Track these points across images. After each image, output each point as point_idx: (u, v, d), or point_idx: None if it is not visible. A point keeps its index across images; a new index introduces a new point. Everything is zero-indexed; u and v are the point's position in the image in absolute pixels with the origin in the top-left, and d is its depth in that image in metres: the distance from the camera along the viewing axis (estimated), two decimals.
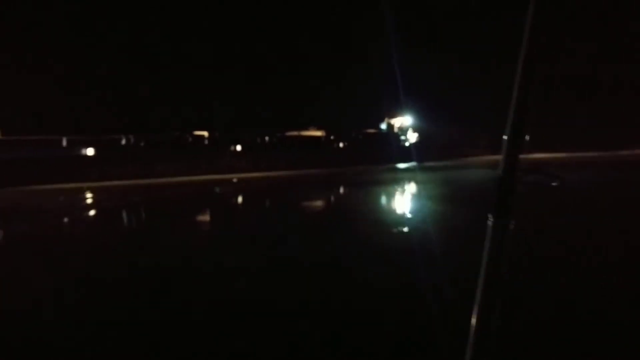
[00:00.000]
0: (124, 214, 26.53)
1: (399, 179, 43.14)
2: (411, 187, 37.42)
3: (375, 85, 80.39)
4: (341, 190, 38.39)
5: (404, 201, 30.69)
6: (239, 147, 55.05)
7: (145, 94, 61.87)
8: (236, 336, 8.33)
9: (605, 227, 17.11)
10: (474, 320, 1.39)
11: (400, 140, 75.43)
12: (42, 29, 62.41)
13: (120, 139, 50.63)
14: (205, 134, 55.80)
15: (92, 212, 29.44)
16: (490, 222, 1.40)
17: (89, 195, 35.38)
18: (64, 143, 46.75)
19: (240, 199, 34.84)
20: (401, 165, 57.33)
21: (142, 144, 51.37)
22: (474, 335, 1.38)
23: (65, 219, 25.45)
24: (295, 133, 67.43)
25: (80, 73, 60.03)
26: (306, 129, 69.86)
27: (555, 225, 17.14)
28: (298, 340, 8.16)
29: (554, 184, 1.51)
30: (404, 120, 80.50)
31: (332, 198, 33.98)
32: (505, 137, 1.44)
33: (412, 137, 78.49)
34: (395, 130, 79.35)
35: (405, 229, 18.54)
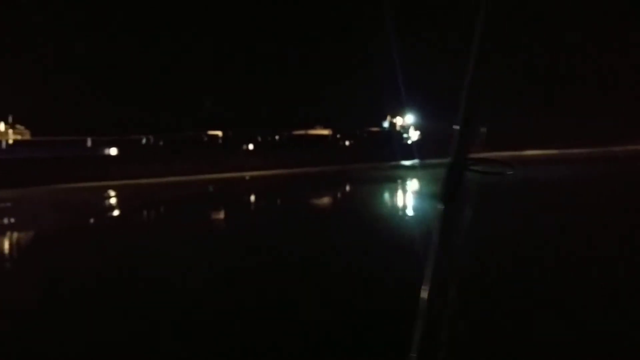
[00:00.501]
0: (154, 213, 28.60)
1: (405, 176, 45.81)
2: (416, 184, 40.15)
3: (377, 85, 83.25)
4: (355, 187, 40.72)
5: (410, 198, 33.51)
6: (251, 146, 58.00)
7: (162, 95, 65.21)
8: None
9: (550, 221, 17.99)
10: (421, 311, 1.41)
11: (402, 138, 77.95)
12: (66, 37, 65.52)
13: (141, 139, 53.54)
14: (220, 133, 58.72)
15: (121, 211, 31.34)
16: (439, 208, 1.43)
17: (114, 194, 37.38)
18: (89, 143, 49.36)
19: (258, 196, 37.18)
20: (405, 163, 60.04)
21: (160, 143, 54.29)
22: (421, 321, 1.40)
23: (94, 218, 26.36)
24: (302, 132, 70.05)
25: (100, 75, 63.26)
26: (312, 127, 72.59)
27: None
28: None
29: (509, 172, 1.50)
30: (405, 119, 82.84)
31: (349, 195, 36.66)
32: (455, 127, 1.45)
33: (413, 135, 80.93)
34: (398, 128, 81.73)
35: (408, 222, 20.56)
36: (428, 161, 60.90)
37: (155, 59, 74.12)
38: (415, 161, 62.48)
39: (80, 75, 61.74)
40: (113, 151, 49.55)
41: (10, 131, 46.78)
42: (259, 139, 59.69)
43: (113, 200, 35.07)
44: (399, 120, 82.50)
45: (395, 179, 42.04)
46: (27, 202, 32.42)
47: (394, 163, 57.09)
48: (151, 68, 70.48)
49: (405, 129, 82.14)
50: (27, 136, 48.77)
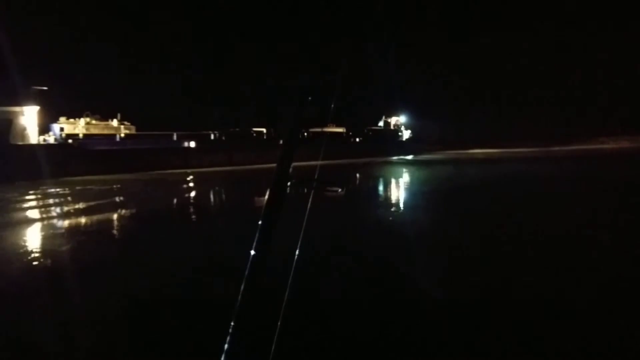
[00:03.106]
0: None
1: (416, 167, 56.85)
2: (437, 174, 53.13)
3: (376, 88, 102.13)
4: (395, 173, 47.96)
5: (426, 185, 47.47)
6: None
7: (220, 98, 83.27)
8: None
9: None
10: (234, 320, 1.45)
11: (398, 136, 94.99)
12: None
13: (210, 134, 68.58)
14: (264, 130, 74.20)
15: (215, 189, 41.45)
16: (259, 223, 1.49)
17: (196, 178, 47.94)
18: (175, 137, 63.98)
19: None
20: (408, 157, 76.46)
21: (223, 137, 69.41)
22: (232, 333, 1.43)
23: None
24: (319, 129, 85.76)
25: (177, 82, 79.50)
26: (327, 125, 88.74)
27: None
28: None
29: (339, 190, 1.68)
30: (399, 119, 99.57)
31: (386, 181, 42.10)
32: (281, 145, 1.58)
33: (406, 134, 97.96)
34: (392, 127, 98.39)
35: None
36: (422, 157, 78.42)
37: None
38: (413, 156, 79.73)
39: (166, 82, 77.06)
40: (192, 144, 64.33)
41: (122, 127, 60.79)
42: None
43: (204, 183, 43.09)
44: (393, 120, 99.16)
45: (411, 170, 51.02)
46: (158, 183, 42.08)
47: (400, 157, 73.78)
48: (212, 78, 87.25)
49: (399, 127, 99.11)
50: (133, 131, 62.13)
